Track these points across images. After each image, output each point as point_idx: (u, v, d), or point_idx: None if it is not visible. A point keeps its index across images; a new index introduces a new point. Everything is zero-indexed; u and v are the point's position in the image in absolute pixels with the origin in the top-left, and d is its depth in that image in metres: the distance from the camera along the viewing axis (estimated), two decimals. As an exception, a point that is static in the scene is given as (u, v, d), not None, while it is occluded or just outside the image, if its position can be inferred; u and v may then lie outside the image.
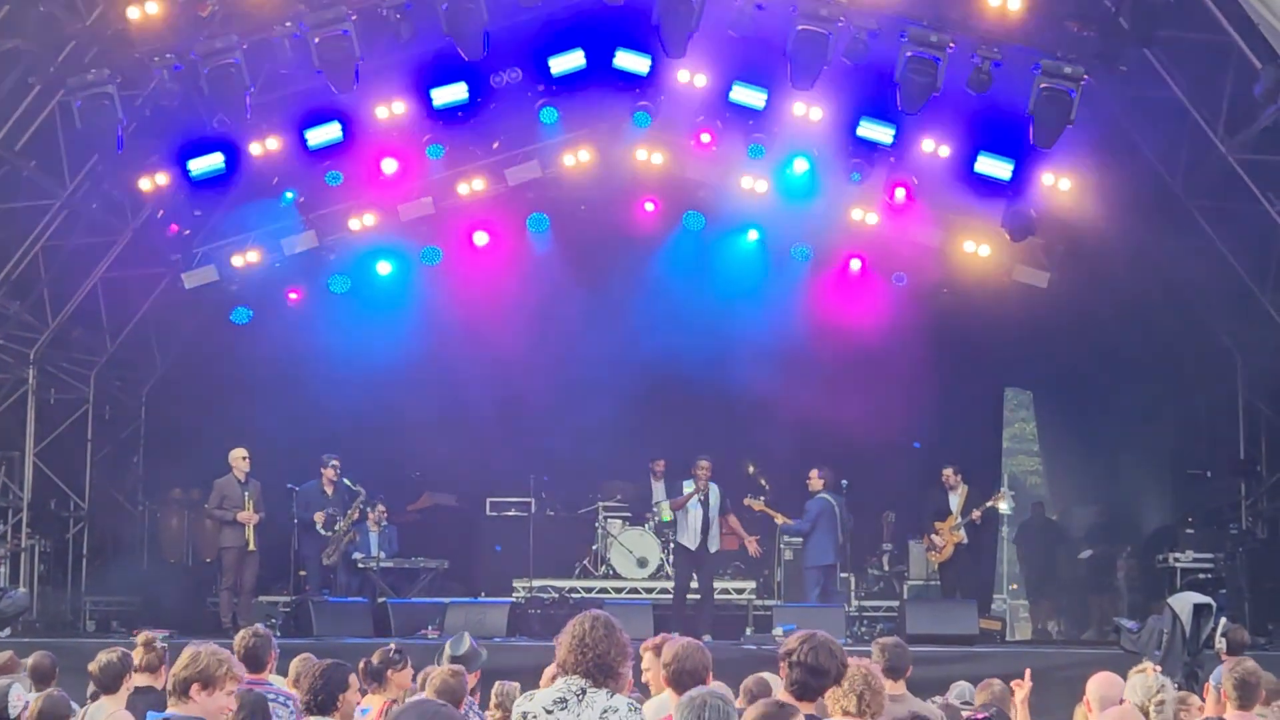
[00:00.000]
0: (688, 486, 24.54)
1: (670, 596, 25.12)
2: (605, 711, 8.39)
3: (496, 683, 12.28)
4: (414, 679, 12.32)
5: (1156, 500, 27.19)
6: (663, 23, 21.33)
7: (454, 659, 11.76)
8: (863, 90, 23.82)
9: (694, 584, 24.88)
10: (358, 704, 10.24)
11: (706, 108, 25.85)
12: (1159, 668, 11.22)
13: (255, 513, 24.13)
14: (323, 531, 24.43)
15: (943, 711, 11.29)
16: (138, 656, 12.44)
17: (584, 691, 8.43)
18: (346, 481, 24.74)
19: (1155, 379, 26.35)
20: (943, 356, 27.92)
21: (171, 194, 24.63)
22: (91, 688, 13.69)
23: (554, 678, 8.81)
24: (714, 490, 24.42)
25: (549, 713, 8.43)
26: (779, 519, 25.18)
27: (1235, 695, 11.51)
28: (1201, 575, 23.95)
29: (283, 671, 13.01)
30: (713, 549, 24.43)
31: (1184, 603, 19.58)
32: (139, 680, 12.16)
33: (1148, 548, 26.32)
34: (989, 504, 25.04)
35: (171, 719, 8.43)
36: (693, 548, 24.35)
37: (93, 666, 11.66)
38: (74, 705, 12.83)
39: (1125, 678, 11.20)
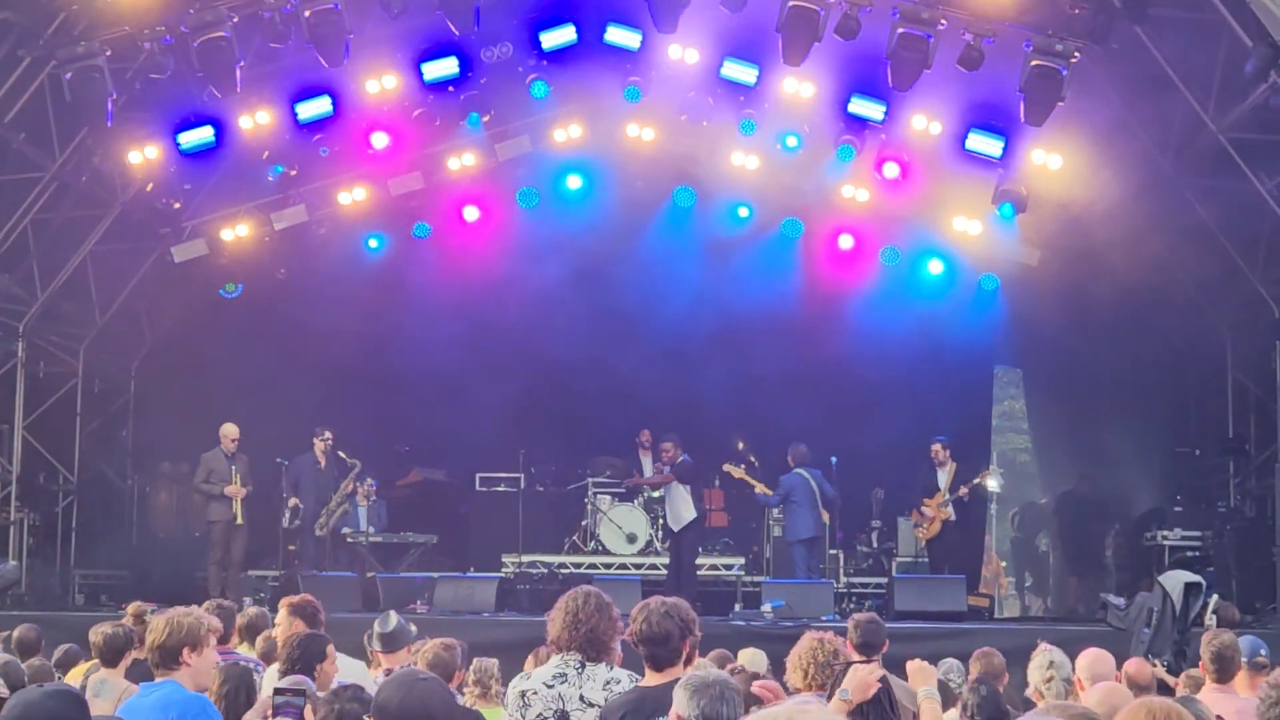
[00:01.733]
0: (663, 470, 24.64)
1: (659, 573, 25.19)
2: (608, 683, 8.43)
3: (475, 659, 12.30)
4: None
5: (1145, 478, 27.19)
6: (654, -1, 21.35)
7: (382, 636, 11.78)
8: (854, 67, 23.82)
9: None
10: (334, 674, 10.26)
11: (698, 83, 25.84)
12: (1051, 646, 11.32)
13: (242, 487, 24.15)
14: (286, 524, 24.51)
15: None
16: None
17: (583, 665, 8.48)
18: (341, 454, 24.75)
19: (1145, 357, 26.37)
20: (933, 333, 27.93)
21: (161, 167, 24.61)
22: (57, 656, 13.69)
23: (546, 658, 8.86)
24: (679, 462, 24.49)
25: (549, 687, 8.47)
26: (758, 488, 25.15)
27: (1213, 669, 11.52)
28: (1190, 553, 23.98)
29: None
30: (674, 526, 24.43)
31: (1175, 581, 19.59)
32: (136, 654, 12.14)
33: (1136, 526, 26.34)
34: (977, 480, 25.07)
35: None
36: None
37: (94, 638, 11.64)
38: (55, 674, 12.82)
39: (1114, 654, 11.22)
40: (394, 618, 12.04)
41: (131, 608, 13.46)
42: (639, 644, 8.46)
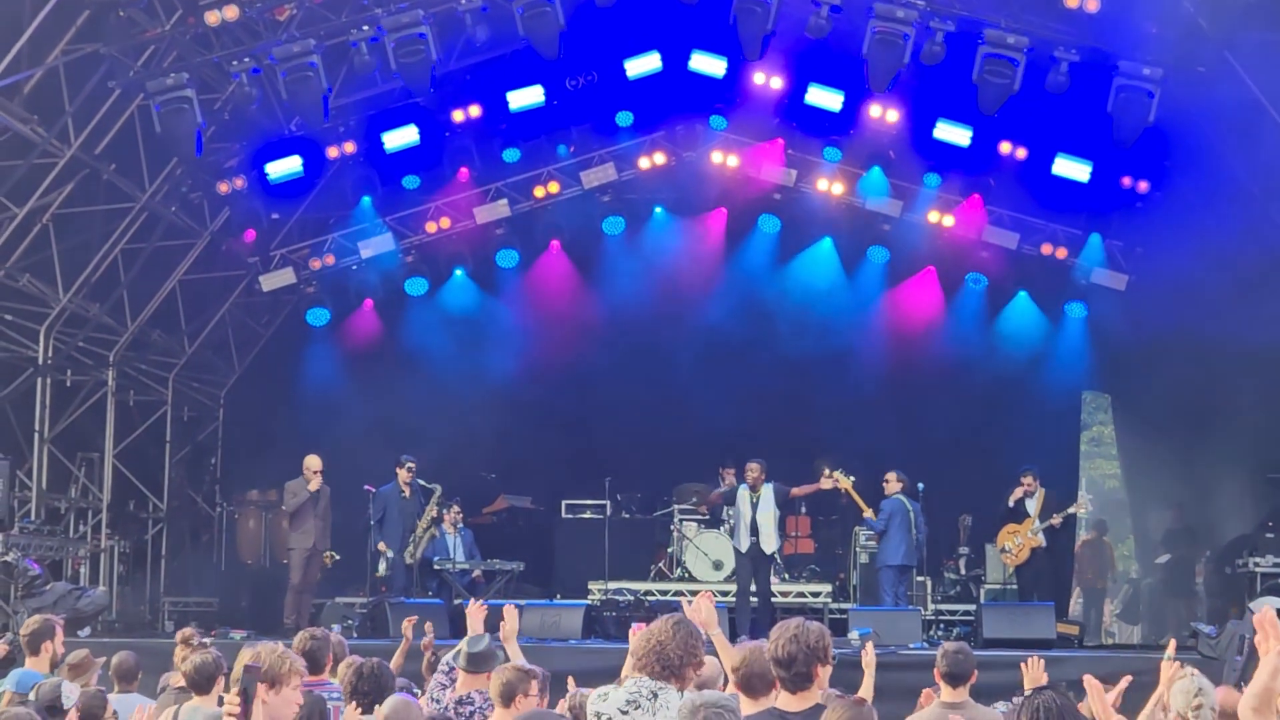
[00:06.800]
0: (741, 489, 24.26)
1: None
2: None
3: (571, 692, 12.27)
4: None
5: (1236, 504, 26.91)
6: (738, 25, 21.32)
7: (470, 655, 11.82)
8: (940, 92, 23.78)
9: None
10: None
11: (782, 110, 25.84)
12: (1196, 671, 10.96)
13: (319, 519, 23.98)
14: (382, 572, 24.33)
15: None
16: (178, 656, 12.41)
17: (655, 694, 8.41)
18: (421, 481, 24.75)
19: (1234, 382, 26.09)
20: (1019, 358, 27.82)
21: (249, 197, 24.78)
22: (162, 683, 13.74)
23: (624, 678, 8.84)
24: (768, 490, 24.12)
25: (624, 714, 8.43)
26: (866, 511, 24.73)
27: None
28: (1281, 580, 23.72)
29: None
30: (767, 550, 24.05)
31: (1265, 607, 19.37)
32: (178, 681, 12.14)
33: (1227, 552, 26.06)
34: (1071, 510, 24.82)
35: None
36: (744, 549, 24.13)
37: (185, 666, 11.62)
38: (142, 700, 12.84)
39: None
40: (486, 639, 12.07)
41: (180, 635, 13.48)
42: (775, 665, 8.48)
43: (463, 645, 12.11)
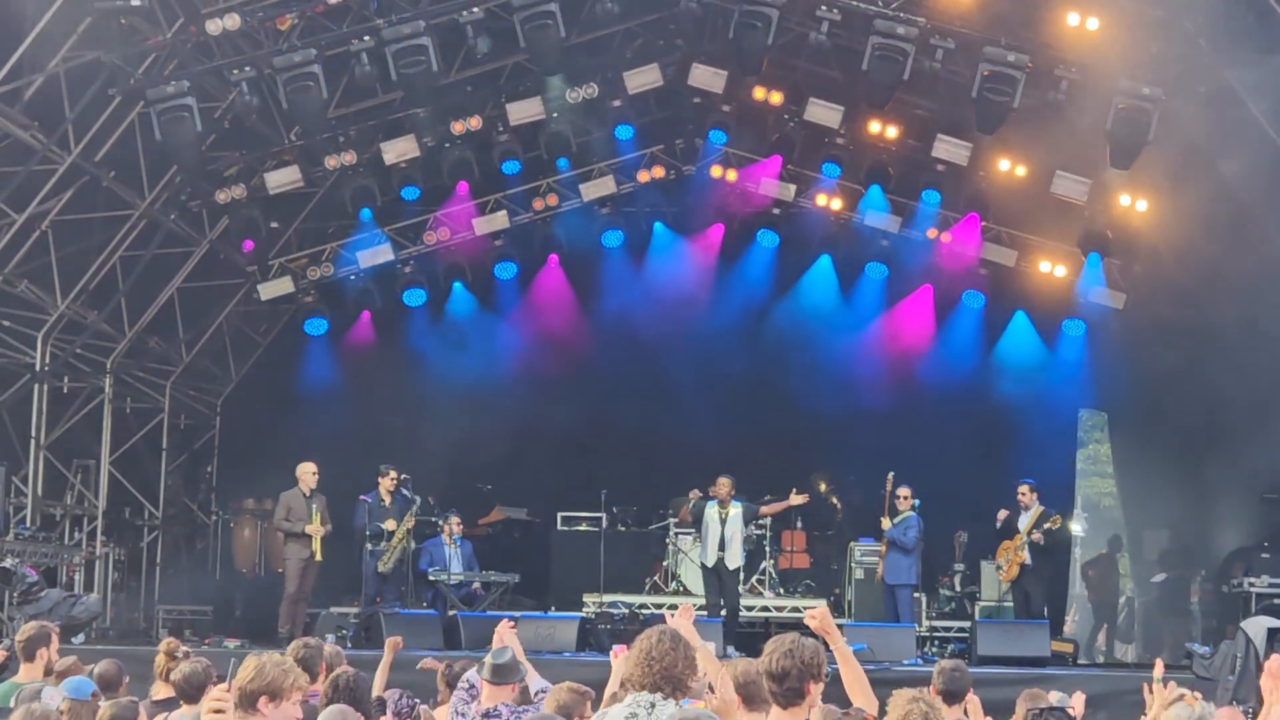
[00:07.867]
0: (710, 505, 24.11)
1: (747, 614, 24.95)
2: None
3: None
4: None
5: (1231, 524, 26.90)
6: (739, 40, 21.36)
7: (495, 667, 11.79)
8: (939, 108, 23.79)
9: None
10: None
11: (782, 125, 25.84)
12: (1199, 694, 10.86)
13: (321, 525, 23.94)
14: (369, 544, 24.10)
15: None
16: (159, 665, 12.35)
17: (653, 705, 8.41)
18: (404, 492, 24.65)
19: (1231, 402, 26.10)
20: (1017, 376, 27.81)
21: (249, 205, 24.78)
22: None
23: (614, 695, 8.80)
24: (735, 507, 24.00)
25: None
26: (885, 521, 24.50)
27: None
28: (1277, 600, 23.68)
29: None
30: (731, 565, 23.96)
31: (1258, 626, 19.39)
32: (162, 692, 12.10)
33: (1222, 572, 26.07)
34: (1048, 525, 24.64)
35: None
36: (710, 564, 24.02)
37: (175, 676, 11.59)
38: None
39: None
40: (509, 652, 12.03)
41: (164, 645, 13.47)
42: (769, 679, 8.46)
43: (487, 658, 12.07)
